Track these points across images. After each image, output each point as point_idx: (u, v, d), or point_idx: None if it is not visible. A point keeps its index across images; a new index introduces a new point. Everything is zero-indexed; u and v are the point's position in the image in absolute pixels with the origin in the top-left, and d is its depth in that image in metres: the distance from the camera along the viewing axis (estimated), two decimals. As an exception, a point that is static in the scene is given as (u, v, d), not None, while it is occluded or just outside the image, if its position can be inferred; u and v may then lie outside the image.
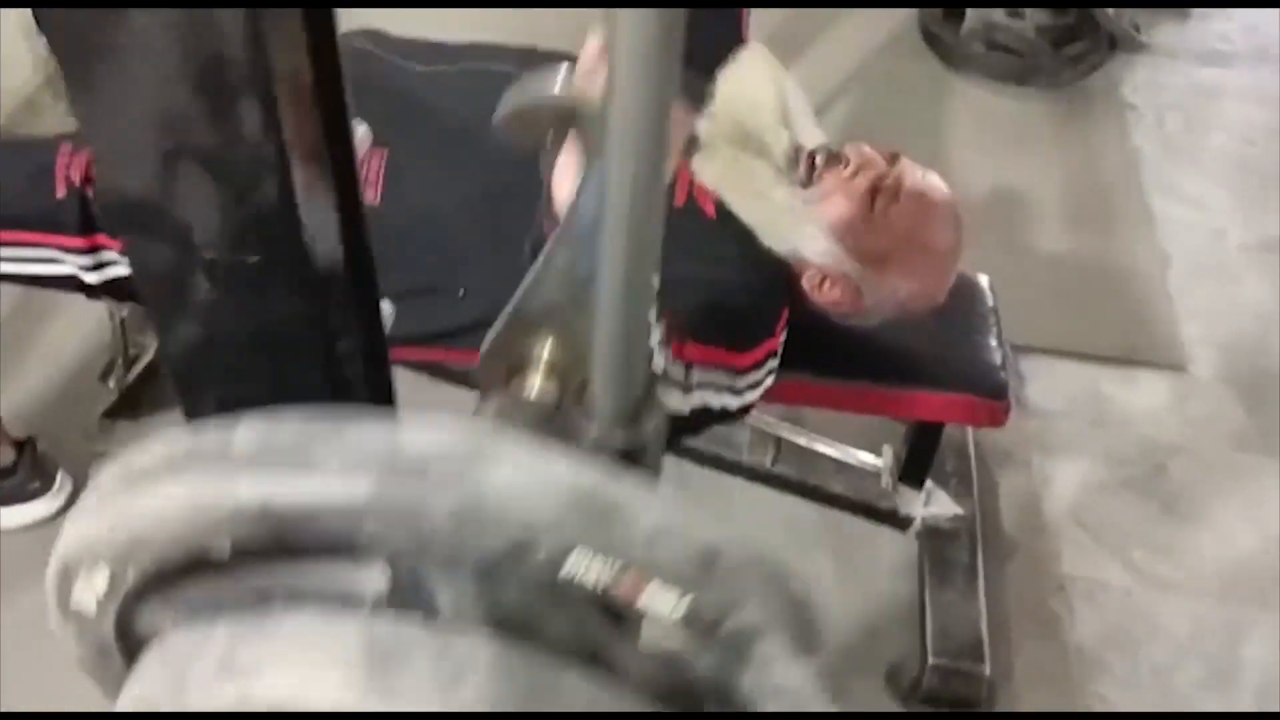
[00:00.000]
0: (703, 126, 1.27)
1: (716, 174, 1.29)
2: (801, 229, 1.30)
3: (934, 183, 1.34)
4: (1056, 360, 2.11)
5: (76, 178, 1.28)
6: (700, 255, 1.26)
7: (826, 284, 1.33)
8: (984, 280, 1.61)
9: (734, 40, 1.49)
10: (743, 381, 1.26)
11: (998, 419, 1.50)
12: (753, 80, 1.31)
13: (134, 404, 1.81)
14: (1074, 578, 1.81)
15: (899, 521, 1.75)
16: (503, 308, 1.29)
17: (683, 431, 1.30)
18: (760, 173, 1.29)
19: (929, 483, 1.74)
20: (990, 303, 1.58)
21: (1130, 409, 2.05)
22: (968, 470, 1.81)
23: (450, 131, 1.34)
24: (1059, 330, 2.14)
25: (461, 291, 1.32)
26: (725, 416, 1.28)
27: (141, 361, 1.83)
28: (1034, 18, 2.74)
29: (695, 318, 1.21)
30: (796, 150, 1.31)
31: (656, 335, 1.07)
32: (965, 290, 1.58)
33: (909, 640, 1.65)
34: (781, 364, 1.40)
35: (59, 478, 1.71)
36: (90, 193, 1.29)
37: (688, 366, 1.20)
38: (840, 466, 1.76)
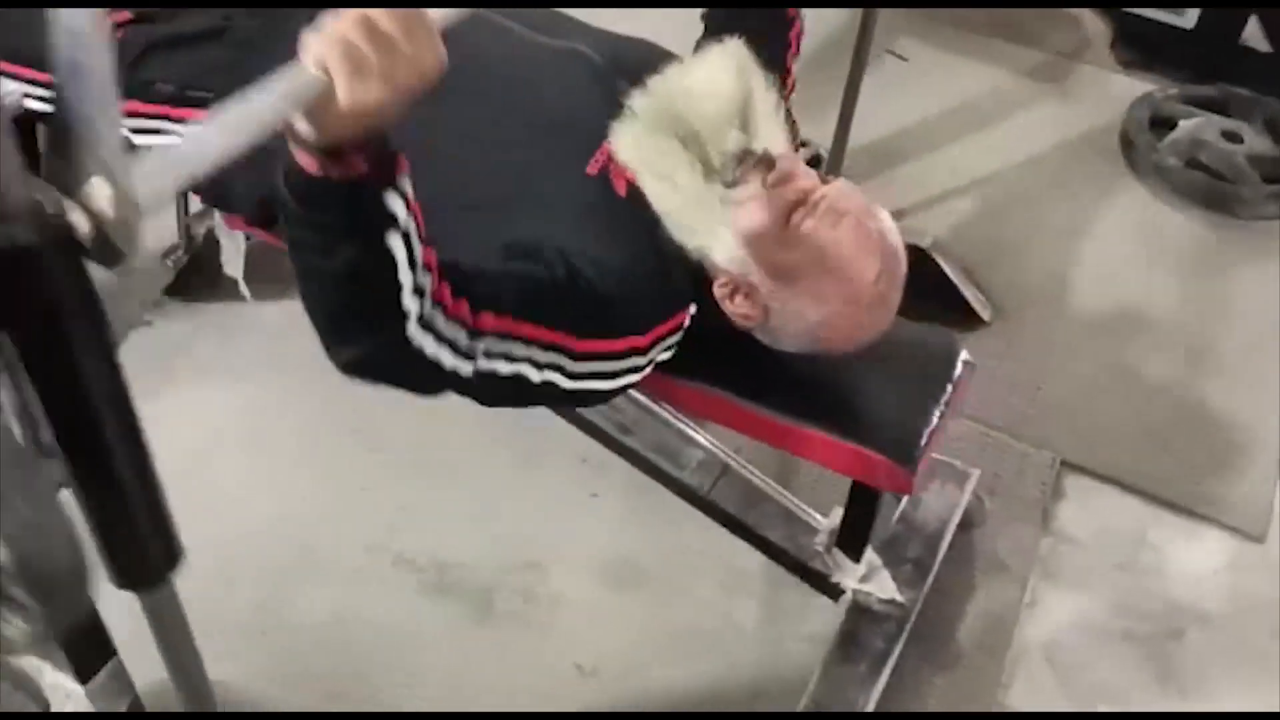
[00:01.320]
0: (636, 102, 1.28)
1: (633, 152, 1.28)
2: (714, 229, 1.26)
3: (870, 215, 1.27)
4: (1109, 488, 1.91)
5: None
6: (587, 230, 1.26)
7: (738, 296, 1.29)
8: (962, 353, 1.49)
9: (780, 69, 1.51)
10: (580, 367, 1.22)
11: (899, 485, 1.38)
12: (713, 73, 1.30)
13: (185, 286, 2.03)
14: (1015, 714, 1.64)
15: (829, 588, 1.63)
16: (444, 235, 1.35)
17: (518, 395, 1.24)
18: (677, 160, 1.27)
19: (872, 557, 1.63)
20: (954, 374, 1.46)
21: (1171, 564, 1.82)
22: (929, 561, 1.66)
23: (490, 87, 1.36)
24: (1128, 459, 1.95)
25: None
26: (566, 396, 1.26)
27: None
28: (1252, 145, 2.50)
29: (540, 291, 1.19)
30: (744, 153, 1.29)
31: (427, 282, 1.05)
32: (929, 353, 1.48)
33: (789, 706, 1.55)
34: (686, 369, 1.38)
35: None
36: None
37: (473, 332, 1.14)
38: (784, 515, 1.67)
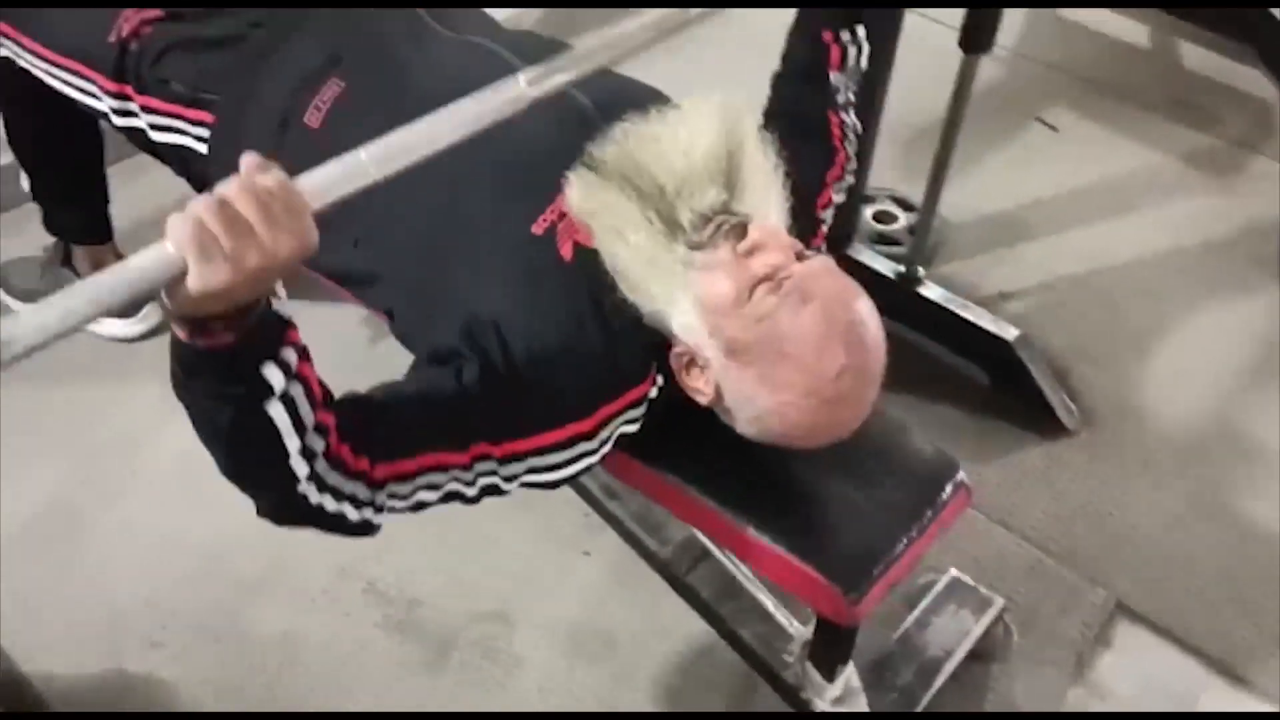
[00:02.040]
0: (598, 150, 1.18)
1: (586, 203, 1.18)
2: (671, 293, 1.16)
3: (844, 303, 1.13)
4: (1165, 643, 1.66)
5: (126, 31, 1.49)
6: (525, 298, 1.17)
7: (693, 369, 1.18)
8: (957, 475, 1.31)
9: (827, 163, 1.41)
10: (514, 468, 1.15)
11: (838, 612, 1.22)
12: (696, 126, 1.19)
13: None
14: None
15: (798, 702, 1.49)
16: (389, 267, 1.31)
17: None
18: (632, 215, 1.16)
19: (852, 678, 1.47)
20: (938, 498, 1.28)
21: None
22: (920, 692, 1.49)
23: (414, 91, 1.35)
24: (1195, 613, 1.70)
25: (355, 241, 1.34)
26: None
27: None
28: None
29: (453, 408, 1.12)
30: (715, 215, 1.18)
31: (318, 444, 1.01)
32: (915, 469, 1.32)
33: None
34: (641, 445, 1.27)
35: (146, 308, 1.99)
36: (132, 46, 1.49)
37: (373, 484, 1.08)
38: (760, 613, 1.53)
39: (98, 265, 1.99)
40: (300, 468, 1.01)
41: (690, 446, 1.26)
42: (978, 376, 2.04)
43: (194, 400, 0.97)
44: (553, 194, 1.19)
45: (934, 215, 2.00)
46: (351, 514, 1.08)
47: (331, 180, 0.95)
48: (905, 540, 1.25)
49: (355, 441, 1.05)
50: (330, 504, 1.06)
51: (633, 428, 1.22)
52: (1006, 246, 2.33)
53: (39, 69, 1.59)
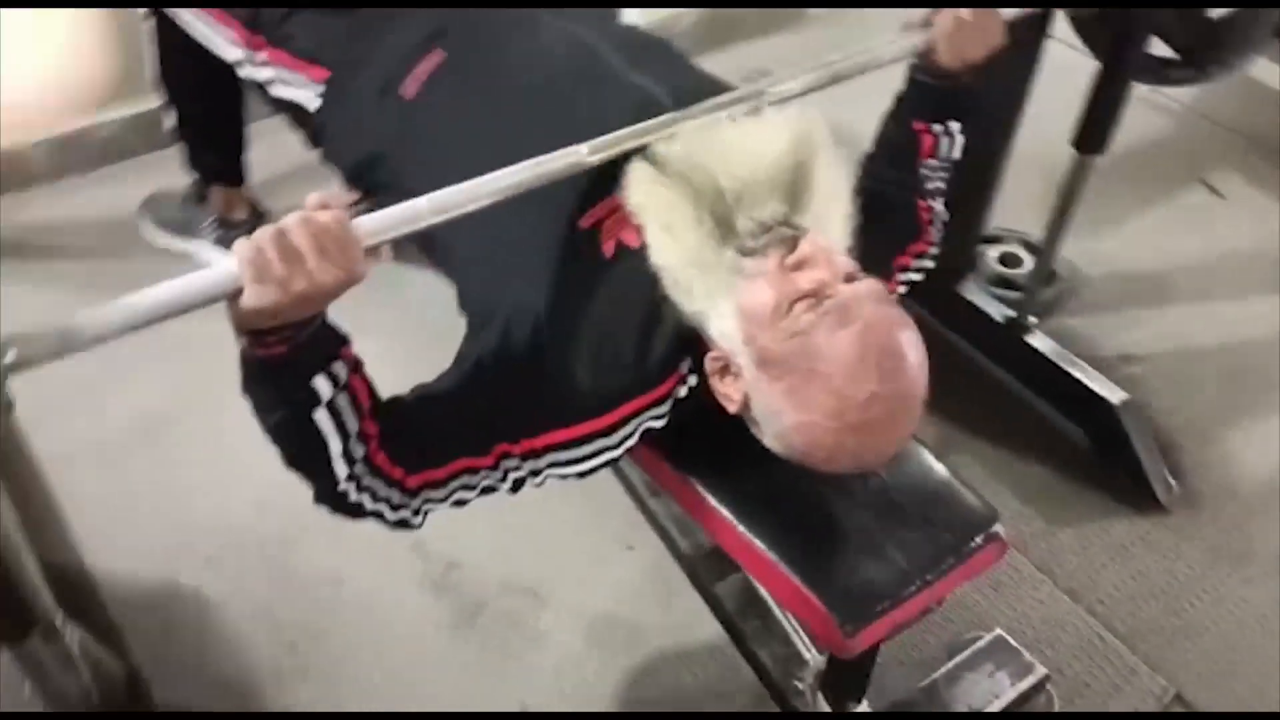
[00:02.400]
0: (660, 147, 1.18)
1: (643, 198, 1.17)
2: (714, 296, 1.15)
3: (886, 331, 1.09)
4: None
5: None
6: (562, 288, 1.18)
7: (727, 375, 1.16)
8: (994, 527, 1.24)
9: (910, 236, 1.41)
10: (538, 463, 1.17)
11: (830, 640, 1.17)
12: (766, 136, 1.18)
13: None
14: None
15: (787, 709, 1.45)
16: (460, 241, 1.34)
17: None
18: (686, 214, 1.16)
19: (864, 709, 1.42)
20: (965, 547, 1.21)
21: None
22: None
23: (506, 73, 1.38)
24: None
25: None
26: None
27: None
28: None
29: (477, 412, 1.16)
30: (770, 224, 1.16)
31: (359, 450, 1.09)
32: (948, 515, 1.25)
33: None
34: (668, 443, 1.27)
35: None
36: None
37: (407, 492, 1.16)
38: (781, 635, 1.50)
39: (228, 206, 2.12)
40: (340, 469, 1.09)
41: (718, 452, 1.24)
42: (1077, 437, 1.93)
43: (253, 400, 1.06)
44: (609, 188, 1.18)
45: (1050, 264, 1.91)
46: (388, 514, 1.15)
47: (389, 222, 1.05)
48: (919, 583, 1.19)
49: (393, 450, 1.12)
50: (368, 503, 1.13)
51: (659, 423, 1.21)
52: (1140, 308, 2.20)
53: (186, 17, 1.70)
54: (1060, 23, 1.80)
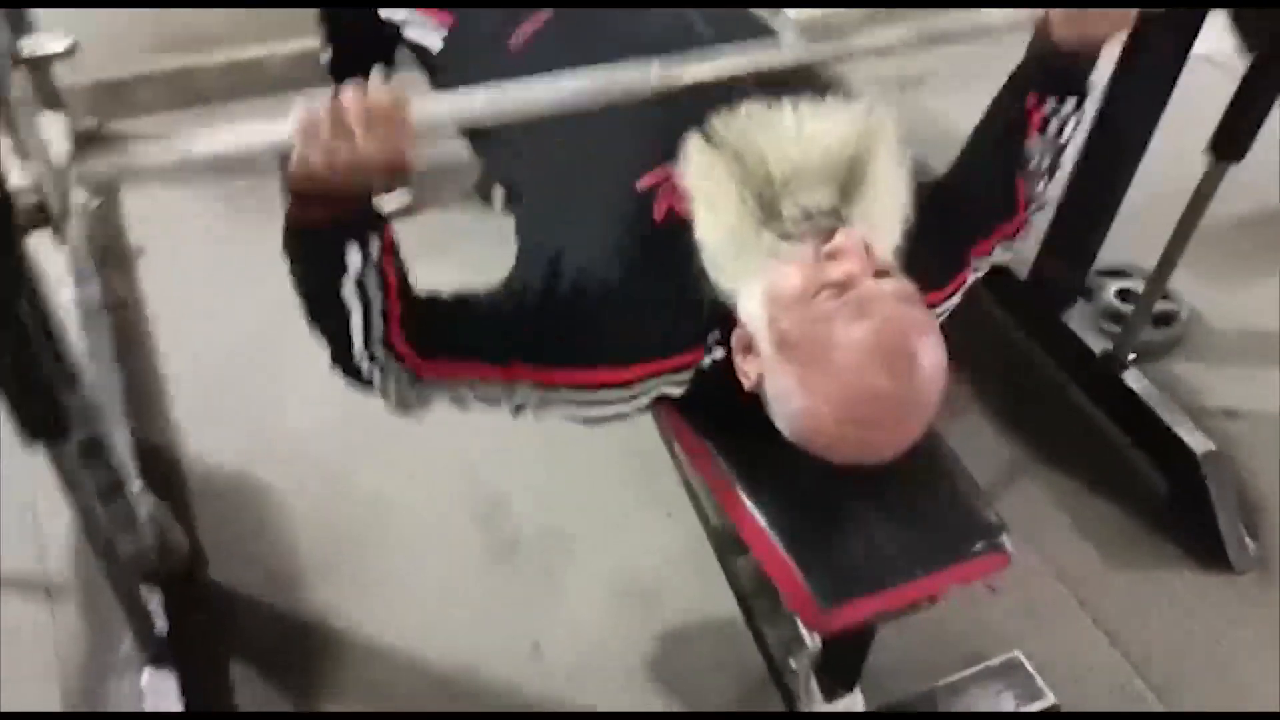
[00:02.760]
0: (718, 126, 1.21)
1: (693, 173, 1.19)
2: (746, 275, 1.17)
3: (903, 331, 1.07)
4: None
5: None
6: (609, 242, 1.22)
7: (748, 353, 1.18)
8: (985, 541, 1.20)
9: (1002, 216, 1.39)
10: (551, 395, 1.20)
11: (808, 616, 1.18)
12: (828, 127, 1.19)
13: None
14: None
15: (791, 702, 1.45)
16: (528, 184, 1.41)
17: None
18: (731, 194, 1.18)
19: (854, 705, 1.41)
20: (961, 552, 1.19)
21: None
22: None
23: (600, 36, 1.41)
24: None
25: (517, 153, 1.42)
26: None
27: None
28: None
29: (504, 324, 1.20)
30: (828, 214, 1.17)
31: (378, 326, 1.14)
32: (952, 519, 1.23)
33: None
34: (693, 409, 1.30)
35: (398, 193, 2.20)
36: None
37: (413, 378, 1.20)
38: (789, 618, 1.48)
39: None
40: (357, 339, 1.14)
41: (738, 427, 1.24)
42: (1156, 482, 1.85)
43: (289, 258, 1.12)
44: (671, 155, 1.20)
45: (1159, 293, 1.81)
46: (392, 390, 1.20)
47: (445, 112, 1.12)
48: (905, 574, 1.18)
49: (411, 334, 1.17)
50: (376, 377, 1.18)
51: (676, 391, 1.24)
52: (1258, 366, 2.09)
53: None
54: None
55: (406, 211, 2.22)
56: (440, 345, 1.19)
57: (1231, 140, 1.60)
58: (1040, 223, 1.92)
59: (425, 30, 1.62)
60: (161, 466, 1.80)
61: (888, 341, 1.06)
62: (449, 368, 1.19)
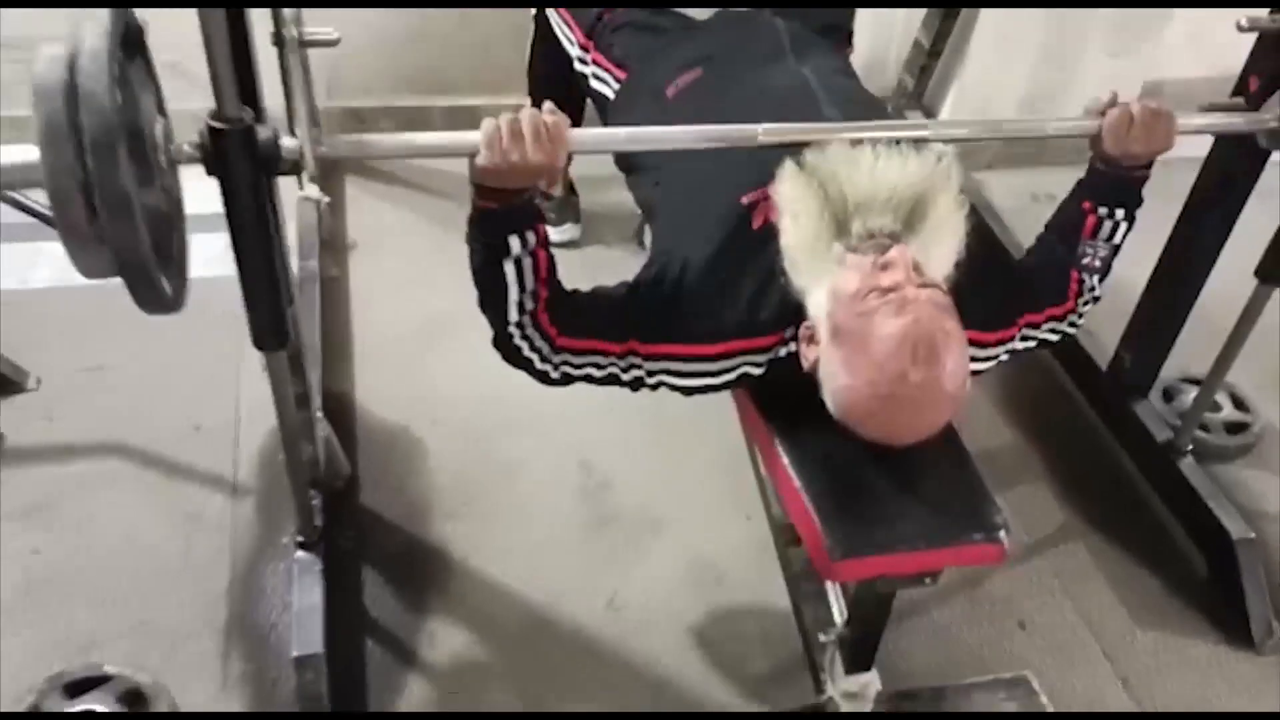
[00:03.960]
0: (809, 155, 1.48)
1: (786, 190, 1.47)
2: (817, 277, 1.43)
3: (930, 329, 1.30)
4: None
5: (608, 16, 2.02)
6: (714, 242, 1.48)
7: (810, 343, 1.45)
8: (983, 533, 1.40)
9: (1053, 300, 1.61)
10: (653, 365, 1.46)
11: (820, 560, 1.38)
12: (898, 166, 1.45)
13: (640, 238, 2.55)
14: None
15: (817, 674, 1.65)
16: (662, 204, 1.72)
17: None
18: (814, 211, 1.44)
19: (870, 686, 1.60)
20: (964, 536, 1.39)
21: None
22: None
23: (736, 94, 1.70)
24: None
25: (655, 182, 1.71)
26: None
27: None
28: None
29: (621, 314, 1.48)
30: (888, 237, 1.44)
31: (530, 304, 1.45)
32: (959, 506, 1.43)
33: None
34: (760, 389, 1.56)
35: (570, 226, 2.56)
36: (605, 18, 2.00)
37: (554, 348, 1.48)
38: (826, 602, 1.70)
39: (550, 181, 2.60)
40: (513, 314, 1.44)
41: (794, 407, 1.47)
42: (1198, 562, 1.99)
43: (469, 243, 1.43)
44: (769, 178, 1.47)
45: (1209, 401, 2.00)
46: (538, 363, 1.48)
47: (594, 139, 1.48)
48: (908, 545, 1.39)
49: (553, 314, 1.46)
50: (525, 349, 1.47)
51: (756, 370, 1.49)
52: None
53: (553, 16, 2.20)
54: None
55: (574, 244, 2.58)
56: (576, 325, 1.47)
57: (1276, 264, 1.78)
58: (1118, 323, 2.17)
59: (605, 84, 1.96)
60: (340, 407, 2.17)
61: (916, 334, 1.29)
62: (580, 343, 1.47)
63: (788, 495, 1.48)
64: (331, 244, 2.57)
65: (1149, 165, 1.55)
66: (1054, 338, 1.61)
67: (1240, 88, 1.82)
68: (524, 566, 1.92)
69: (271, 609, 1.80)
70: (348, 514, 1.96)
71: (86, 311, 2.30)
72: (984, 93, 2.92)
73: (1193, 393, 2.26)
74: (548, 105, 1.37)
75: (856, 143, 1.45)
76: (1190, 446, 2.04)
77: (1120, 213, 1.57)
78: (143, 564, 1.85)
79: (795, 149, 1.45)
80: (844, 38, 2.11)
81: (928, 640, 1.84)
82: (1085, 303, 1.61)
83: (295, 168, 1.33)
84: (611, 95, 1.94)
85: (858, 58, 2.05)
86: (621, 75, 1.94)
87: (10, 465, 1.99)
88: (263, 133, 1.26)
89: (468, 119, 1.40)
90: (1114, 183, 1.56)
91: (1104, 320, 2.14)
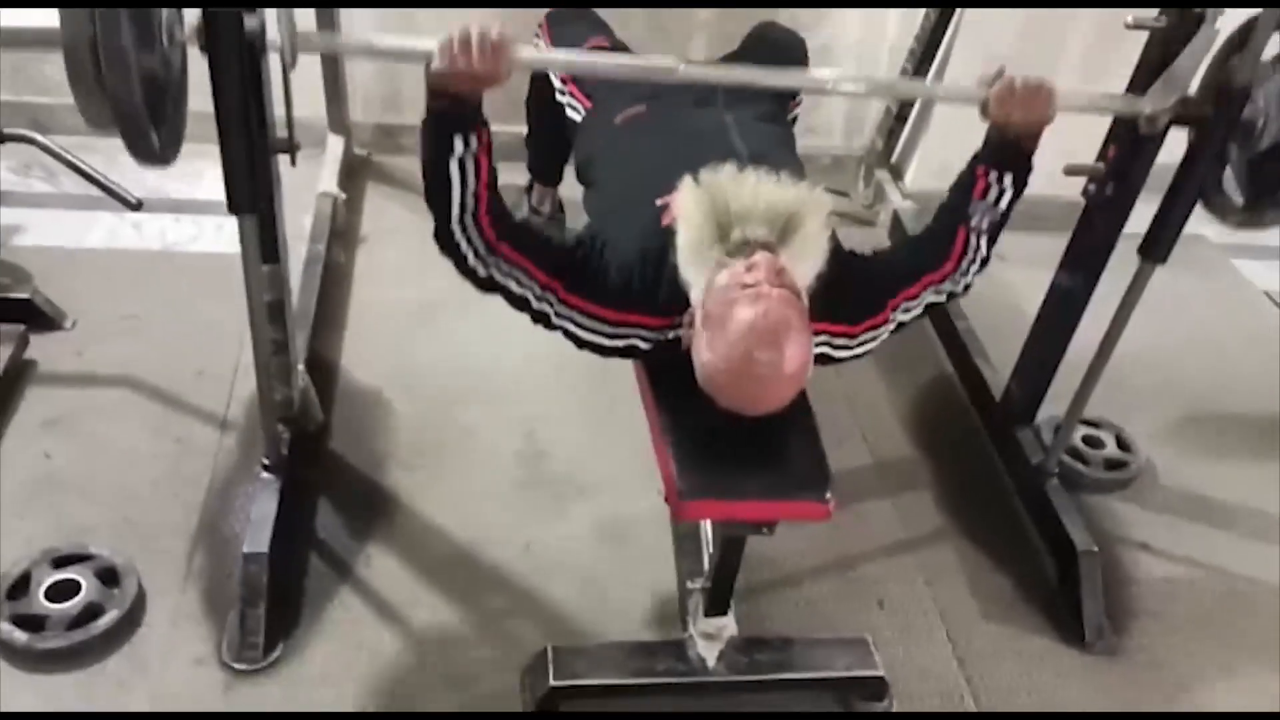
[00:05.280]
0: (706, 174, 1.73)
1: (686, 200, 1.73)
2: (700, 273, 1.69)
3: (775, 320, 1.52)
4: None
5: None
6: (631, 230, 1.76)
7: (691, 327, 1.70)
8: (810, 495, 1.63)
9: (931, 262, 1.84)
10: (564, 310, 1.70)
11: (670, 499, 1.62)
12: (781, 192, 1.69)
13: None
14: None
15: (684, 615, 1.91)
16: (600, 185, 2.01)
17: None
18: (704, 218, 1.70)
19: (726, 629, 1.83)
20: (793, 495, 1.64)
21: None
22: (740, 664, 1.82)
23: (668, 125, 2.00)
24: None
25: (596, 162, 2.06)
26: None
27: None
28: None
29: (553, 251, 1.73)
30: (761, 245, 1.70)
31: (470, 202, 1.65)
32: (797, 477, 1.65)
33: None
34: (652, 362, 1.82)
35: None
36: None
37: (490, 248, 1.69)
38: (700, 560, 1.95)
39: (541, 199, 2.89)
40: (454, 209, 1.64)
41: (676, 379, 1.68)
42: (1052, 572, 2.20)
43: (421, 138, 1.63)
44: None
45: (1072, 428, 2.23)
46: (470, 259, 1.67)
47: (532, 58, 1.82)
48: (743, 495, 1.63)
49: (495, 220, 1.69)
50: (463, 245, 1.66)
51: (644, 345, 1.74)
52: (1189, 523, 2.39)
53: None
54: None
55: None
56: (514, 237, 1.69)
57: (1157, 243, 1.95)
58: (1011, 359, 2.42)
59: (576, 110, 2.25)
60: (325, 368, 2.46)
61: (763, 322, 1.53)
62: (514, 255, 1.68)
63: (657, 448, 1.73)
64: (344, 235, 2.90)
65: (1036, 136, 1.77)
66: (940, 298, 1.82)
67: (1133, 83, 2.00)
68: (459, 513, 2.18)
69: (237, 522, 2.08)
70: (314, 453, 2.25)
71: (127, 271, 2.67)
72: (944, 155, 3.17)
73: (1082, 430, 2.49)
74: (496, 25, 1.60)
75: (742, 168, 1.71)
76: (1057, 470, 2.26)
77: (1008, 179, 1.78)
78: (135, 475, 2.15)
79: (707, 166, 1.71)
80: (786, 93, 2.39)
81: (795, 609, 2.07)
82: (971, 262, 1.81)
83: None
84: (579, 119, 2.24)
85: (838, 118, 2.27)
86: (588, 104, 2.23)
87: (38, 386, 2.32)
88: (249, 20, 1.55)
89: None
90: (1002, 148, 1.78)
91: (1008, 357, 2.44)
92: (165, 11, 1.54)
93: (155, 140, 1.51)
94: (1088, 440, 2.48)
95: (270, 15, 1.60)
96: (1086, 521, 2.22)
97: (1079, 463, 2.42)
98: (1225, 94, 1.81)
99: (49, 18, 1.40)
